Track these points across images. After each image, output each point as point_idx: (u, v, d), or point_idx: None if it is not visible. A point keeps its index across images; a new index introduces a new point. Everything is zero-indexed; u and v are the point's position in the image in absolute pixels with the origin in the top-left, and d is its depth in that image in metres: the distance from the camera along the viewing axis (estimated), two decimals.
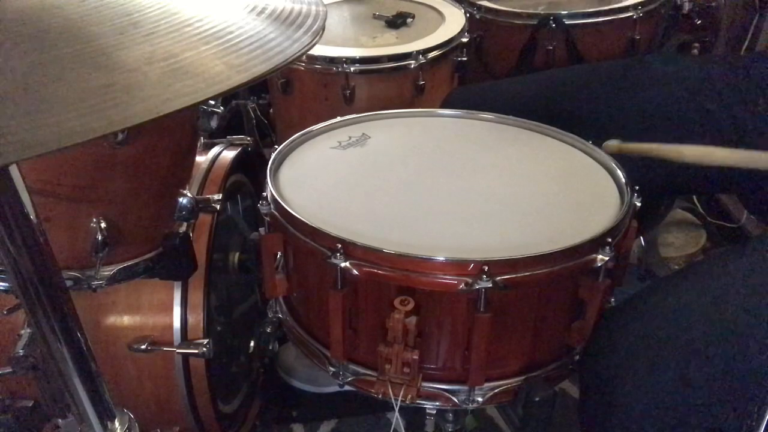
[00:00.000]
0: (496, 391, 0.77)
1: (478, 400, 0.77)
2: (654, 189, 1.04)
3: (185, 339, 0.99)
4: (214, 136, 1.29)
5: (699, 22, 1.59)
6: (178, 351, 0.98)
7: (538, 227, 0.78)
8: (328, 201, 0.82)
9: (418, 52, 1.28)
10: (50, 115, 0.38)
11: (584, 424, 0.79)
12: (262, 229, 0.85)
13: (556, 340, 0.80)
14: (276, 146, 0.91)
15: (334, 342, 0.77)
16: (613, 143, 0.90)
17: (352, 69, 1.26)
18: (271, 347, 1.35)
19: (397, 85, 1.31)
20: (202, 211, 1.03)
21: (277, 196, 0.80)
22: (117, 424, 0.68)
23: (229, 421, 1.19)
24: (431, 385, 0.77)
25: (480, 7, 1.49)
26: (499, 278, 0.68)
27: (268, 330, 1.29)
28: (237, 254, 1.24)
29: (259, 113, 1.60)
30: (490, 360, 0.74)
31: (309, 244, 0.74)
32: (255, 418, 1.32)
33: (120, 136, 0.79)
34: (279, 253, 0.86)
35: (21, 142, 0.36)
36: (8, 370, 0.86)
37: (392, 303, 0.70)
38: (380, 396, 0.76)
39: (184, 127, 0.93)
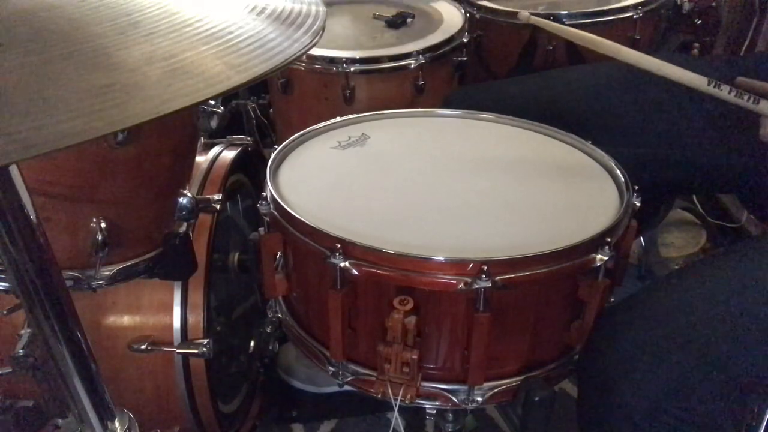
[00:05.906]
0: (495, 390, 0.77)
1: (477, 400, 0.77)
2: (654, 189, 1.04)
3: (185, 339, 1.00)
4: (214, 136, 1.29)
5: (699, 22, 1.59)
6: (178, 351, 0.98)
7: (537, 227, 0.78)
8: (327, 201, 0.82)
9: (418, 52, 1.28)
10: (50, 115, 0.38)
11: (582, 423, 0.79)
12: (261, 229, 0.85)
13: (555, 340, 0.80)
14: (276, 146, 0.91)
15: (333, 342, 0.77)
16: (524, 14, 0.90)
17: (352, 69, 1.26)
18: (271, 347, 1.35)
19: (397, 85, 1.31)
20: (202, 211, 1.03)
21: (276, 196, 0.80)
22: (117, 424, 0.68)
23: (229, 421, 1.19)
24: (431, 384, 0.77)
25: (480, 7, 1.48)
26: (498, 278, 0.68)
27: (268, 330, 1.29)
28: (237, 254, 1.24)
29: (259, 113, 1.59)
30: (489, 360, 0.74)
31: (308, 244, 0.74)
32: (255, 418, 1.32)
33: (120, 136, 0.79)
34: (279, 253, 0.86)
35: (21, 142, 0.36)
36: (8, 370, 0.86)
37: (391, 303, 0.70)
38: (380, 396, 0.75)
39: (184, 128, 0.93)
